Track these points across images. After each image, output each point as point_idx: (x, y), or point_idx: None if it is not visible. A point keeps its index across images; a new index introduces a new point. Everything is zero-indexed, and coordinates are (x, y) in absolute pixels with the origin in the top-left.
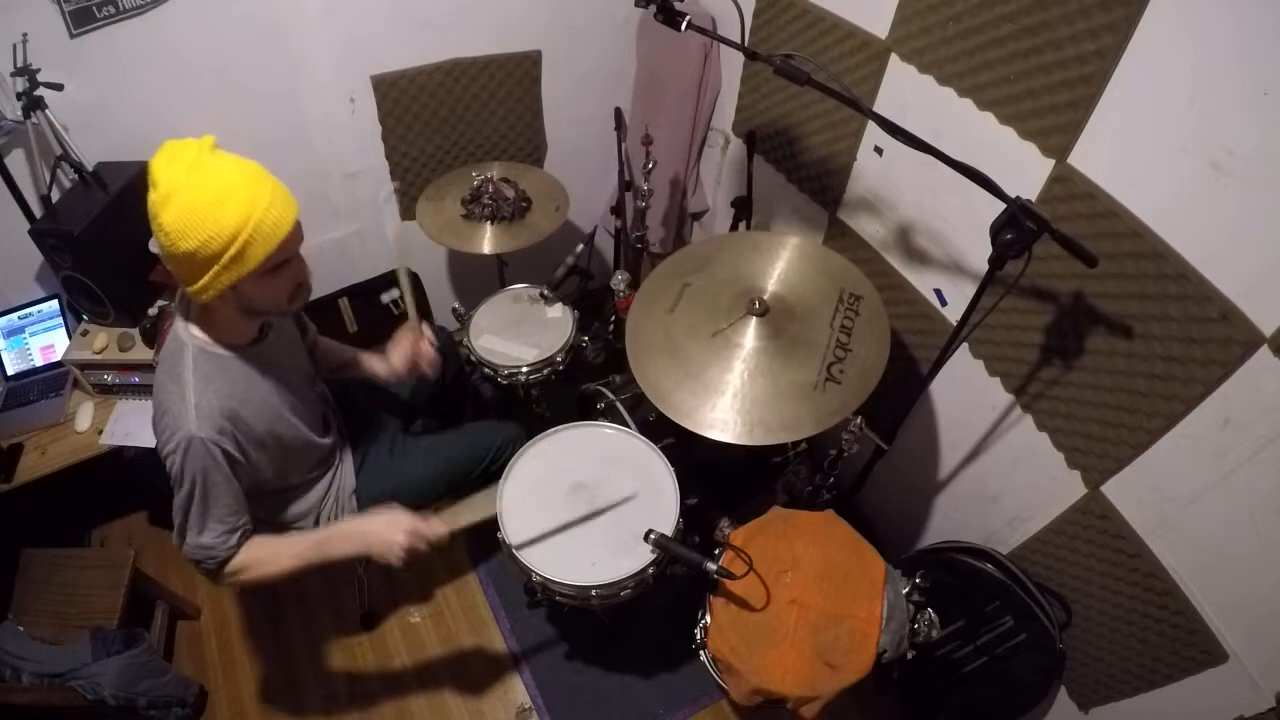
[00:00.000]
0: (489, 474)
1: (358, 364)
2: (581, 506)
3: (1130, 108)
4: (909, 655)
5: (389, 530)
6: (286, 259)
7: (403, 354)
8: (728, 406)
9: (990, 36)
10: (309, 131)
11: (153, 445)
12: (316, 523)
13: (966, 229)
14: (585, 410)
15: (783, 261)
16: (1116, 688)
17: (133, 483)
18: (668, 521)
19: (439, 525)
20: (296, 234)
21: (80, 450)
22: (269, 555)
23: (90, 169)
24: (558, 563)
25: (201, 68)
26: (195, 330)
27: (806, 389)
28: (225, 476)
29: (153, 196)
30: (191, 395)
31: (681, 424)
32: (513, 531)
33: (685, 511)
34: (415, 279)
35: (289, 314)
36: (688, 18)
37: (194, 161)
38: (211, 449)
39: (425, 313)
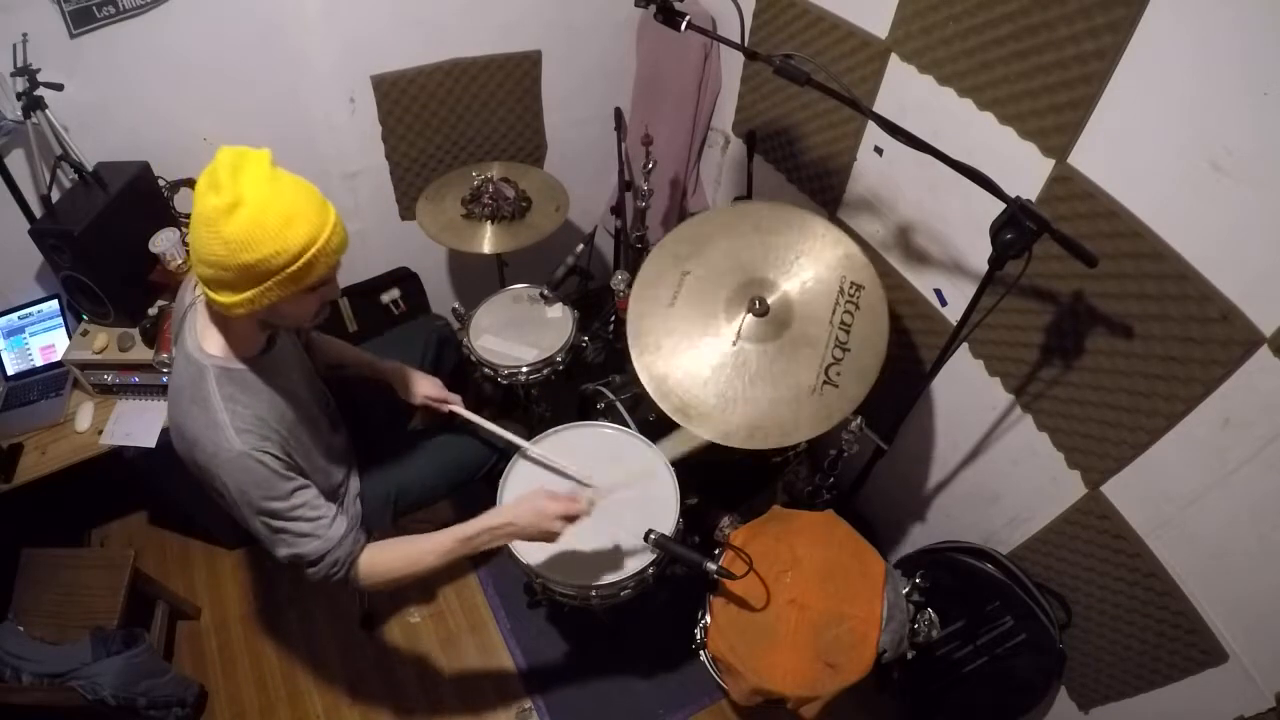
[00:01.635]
0: (492, 474)
1: (368, 365)
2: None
3: (1130, 108)
4: (909, 655)
5: (541, 521)
6: (331, 278)
7: (426, 396)
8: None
9: (990, 36)
10: (309, 131)
11: (152, 445)
12: None
13: (966, 229)
14: (585, 410)
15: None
16: (1116, 688)
17: (133, 483)
18: (668, 521)
19: (591, 496)
20: None
21: (80, 450)
22: (410, 556)
23: (90, 169)
24: (558, 563)
25: (202, 67)
26: (209, 348)
27: (804, 391)
28: (288, 477)
29: (214, 202)
30: (224, 416)
31: (681, 424)
32: None
33: (685, 511)
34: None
35: (308, 329)
36: (688, 18)
37: (264, 175)
38: (262, 457)
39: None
